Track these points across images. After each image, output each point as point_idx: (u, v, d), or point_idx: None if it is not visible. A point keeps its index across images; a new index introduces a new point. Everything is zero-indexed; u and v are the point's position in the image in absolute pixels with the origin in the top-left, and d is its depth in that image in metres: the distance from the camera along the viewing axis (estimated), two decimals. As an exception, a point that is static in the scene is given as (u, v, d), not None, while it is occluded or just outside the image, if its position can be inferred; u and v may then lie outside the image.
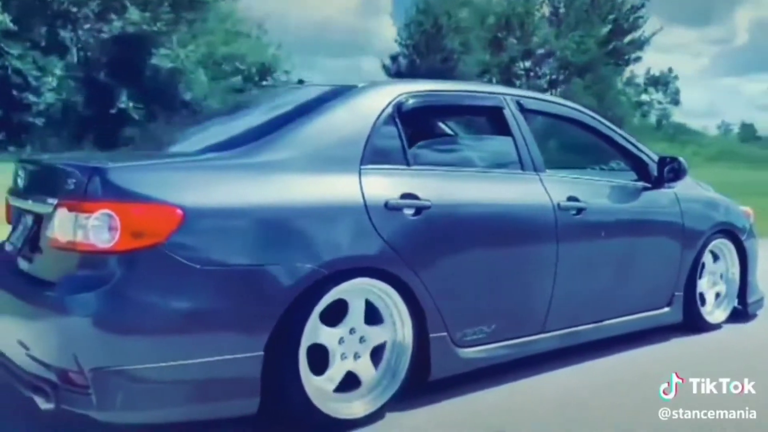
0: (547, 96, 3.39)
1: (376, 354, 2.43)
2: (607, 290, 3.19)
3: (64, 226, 2.03)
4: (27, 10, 27.51)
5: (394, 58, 40.30)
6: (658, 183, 3.43)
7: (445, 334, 2.53)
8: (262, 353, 2.10)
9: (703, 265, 3.68)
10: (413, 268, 2.41)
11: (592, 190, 3.16)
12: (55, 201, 2.09)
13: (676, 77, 47.63)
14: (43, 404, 2.02)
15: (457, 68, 36.27)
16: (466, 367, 2.64)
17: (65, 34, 29.92)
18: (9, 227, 2.73)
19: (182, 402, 2.05)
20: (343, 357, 2.34)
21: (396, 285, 2.40)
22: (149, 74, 28.82)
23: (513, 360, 2.82)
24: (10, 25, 25.96)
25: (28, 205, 2.33)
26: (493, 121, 2.99)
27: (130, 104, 27.77)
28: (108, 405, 1.95)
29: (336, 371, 2.32)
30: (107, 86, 28.02)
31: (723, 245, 3.78)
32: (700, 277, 3.65)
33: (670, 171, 3.42)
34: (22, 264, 2.37)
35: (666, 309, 3.48)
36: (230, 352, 2.06)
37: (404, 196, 2.43)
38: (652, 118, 45.65)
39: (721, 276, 3.84)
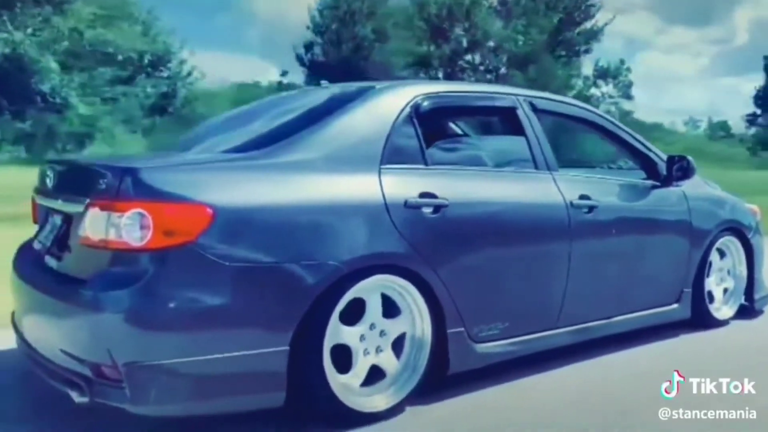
0: (558, 96, 3.44)
1: (397, 346, 2.49)
2: (617, 287, 3.25)
3: (96, 225, 2.09)
4: None
5: (308, 48, 36.84)
6: (666, 181, 3.49)
7: (462, 329, 2.59)
8: (287, 348, 2.16)
9: (711, 263, 3.74)
10: (432, 265, 2.47)
11: (603, 188, 3.22)
12: (86, 201, 2.15)
13: (628, 69, 44.78)
14: (78, 398, 2.08)
15: (370, 58, 33.73)
16: (483, 362, 2.70)
17: None
18: (36, 226, 2.80)
19: (212, 395, 2.11)
20: (366, 353, 2.40)
21: (415, 281, 2.46)
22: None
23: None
24: None
25: (58, 204, 2.39)
26: (507, 121, 3.05)
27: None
28: (141, 398, 2.01)
29: (361, 367, 2.39)
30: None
31: (730, 243, 3.85)
32: (707, 275, 3.71)
33: (679, 170, 3.48)
34: (51, 262, 2.43)
35: (674, 305, 3.54)
36: (257, 347, 2.12)
37: (423, 195, 2.49)
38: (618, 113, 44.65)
39: (729, 272, 3.90)
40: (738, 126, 49.90)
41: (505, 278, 2.76)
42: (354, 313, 2.38)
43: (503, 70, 37.98)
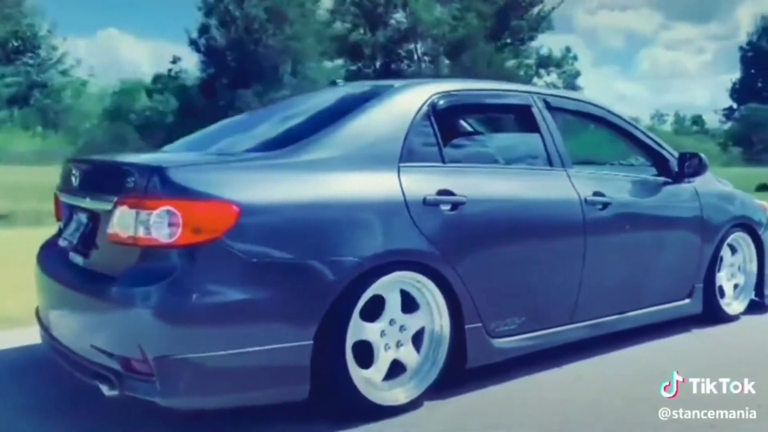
0: (572, 94, 3.48)
1: (417, 341, 2.54)
2: (630, 282, 3.29)
3: (125, 222, 2.14)
4: None
5: (202, 31, 34.49)
6: (678, 178, 3.53)
7: (479, 324, 2.63)
8: (311, 342, 2.21)
9: (722, 258, 3.77)
10: (450, 262, 2.51)
11: (617, 185, 3.26)
12: (114, 199, 2.19)
13: (575, 58, 42.49)
14: (108, 391, 2.12)
15: (263, 41, 31.67)
16: (499, 357, 2.75)
17: None
18: (59, 224, 2.85)
19: (239, 388, 2.16)
20: (387, 348, 2.44)
21: (434, 278, 2.50)
22: None
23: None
24: None
25: (85, 202, 2.44)
26: (522, 119, 3.09)
27: None
28: (171, 391, 2.06)
29: (382, 362, 2.43)
30: None
31: (741, 238, 3.88)
32: (719, 270, 3.75)
33: (690, 166, 3.52)
34: (76, 259, 2.48)
35: (686, 300, 3.58)
36: (282, 341, 2.17)
37: (441, 192, 2.53)
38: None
39: (739, 268, 3.94)
40: (713, 121, 48.81)
41: (521, 274, 2.80)
42: (374, 309, 2.42)
43: (446, 60, 35.54)
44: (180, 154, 2.78)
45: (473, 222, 2.61)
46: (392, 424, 2.37)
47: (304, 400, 2.26)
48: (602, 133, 3.66)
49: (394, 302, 2.46)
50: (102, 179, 2.44)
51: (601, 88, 73.04)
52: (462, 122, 3.10)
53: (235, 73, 33.67)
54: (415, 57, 36.97)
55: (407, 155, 2.54)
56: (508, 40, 38.05)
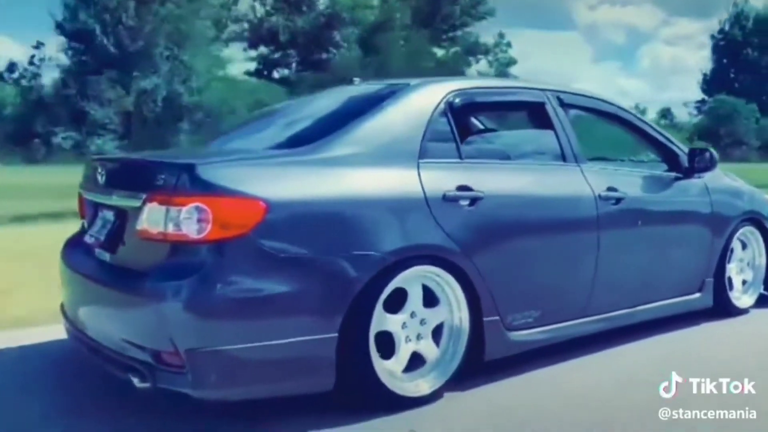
0: (584, 90, 3.52)
1: (436, 334, 2.59)
2: (642, 276, 3.34)
3: (155, 219, 2.19)
4: None
5: (70, 11, 31.01)
6: (688, 173, 3.58)
7: (497, 317, 2.68)
8: (336, 335, 2.26)
9: (732, 250, 3.82)
10: (469, 256, 2.57)
11: (629, 180, 3.31)
12: (143, 196, 2.25)
13: (508, 45, 39.90)
14: (139, 383, 2.18)
15: (123, 21, 28.23)
16: (516, 350, 2.80)
17: None
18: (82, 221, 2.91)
19: (268, 379, 2.21)
20: (408, 340, 2.50)
21: (453, 271, 2.56)
22: None
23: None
24: None
25: (112, 200, 2.49)
26: (536, 115, 3.13)
27: None
28: (203, 383, 2.12)
29: (403, 353, 2.48)
30: None
31: (750, 233, 3.93)
32: (728, 262, 3.80)
33: (701, 161, 3.57)
34: (103, 255, 2.53)
35: (697, 294, 3.62)
36: (309, 333, 2.22)
37: (459, 188, 2.59)
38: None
39: (749, 264, 3.98)
40: (683, 114, 47.70)
41: (537, 268, 2.85)
42: (396, 301, 2.47)
43: (363, 46, 32.46)
44: (206, 151, 2.83)
45: (491, 217, 2.66)
46: (416, 415, 2.41)
47: (329, 392, 2.32)
48: (612, 129, 3.71)
49: (416, 295, 2.52)
50: (130, 177, 2.49)
51: (602, 83, 72.96)
52: (478, 119, 3.15)
53: (96, 59, 31.26)
54: (337, 44, 34.48)
55: (426, 152, 2.59)
56: (444, 26, 36.06)
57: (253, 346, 2.14)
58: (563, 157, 3.06)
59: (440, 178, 2.57)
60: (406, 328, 2.50)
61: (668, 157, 3.62)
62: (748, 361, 3.00)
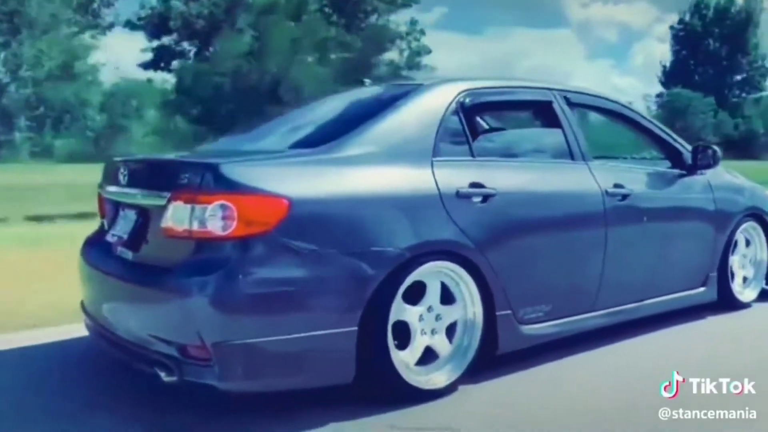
0: (589, 89, 3.60)
1: (450, 330, 2.65)
2: (648, 271, 3.41)
3: (180, 217, 2.26)
4: None
5: None
6: (692, 170, 3.66)
7: (509, 312, 2.75)
8: (356, 328, 2.33)
9: (736, 243, 3.91)
10: (482, 251, 2.64)
11: (635, 177, 3.39)
12: (167, 194, 2.31)
13: (422, 32, 37.21)
14: (166, 377, 2.24)
15: None
16: (528, 343, 2.87)
17: None
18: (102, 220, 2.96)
19: (291, 371, 2.28)
20: (423, 333, 2.56)
21: (467, 267, 2.63)
22: None
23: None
24: None
25: (135, 199, 2.56)
26: (544, 114, 3.21)
27: None
28: (229, 375, 2.18)
29: (417, 346, 2.55)
30: None
31: (752, 228, 4.01)
32: (732, 254, 3.87)
33: (704, 158, 3.65)
34: (126, 253, 2.59)
35: (701, 289, 3.70)
36: (330, 327, 2.29)
37: (472, 185, 2.66)
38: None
39: (750, 260, 4.06)
40: (642, 108, 47.23)
41: (547, 263, 2.92)
42: (414, 294, 2.54)
43: (252, 32, 29.47)
44: (228, 150, 2.90)
45: (503, 213, 2.73)
46: (432, 408, 2.47)
47: (348, 384, 2.38)
48: (615, 127, 3.79)
49: (434, 290, 2.58)
50: (154, 176, 2.55)
51: (596, 81, 72.96)
52: (488, 118, 3.22)
53: None
54: (233, 30, 32.07)
55: (439, 150, 2.67)
56: (369, 7, 34.23)
57: (277, 339, 2.20)
58: (571, 155, 3.14)
59: (453, 176, 2.64)
60: (423, 321, 2.56)
61: (672, 154, 3.70)
62: (749, 361, 3.03)
